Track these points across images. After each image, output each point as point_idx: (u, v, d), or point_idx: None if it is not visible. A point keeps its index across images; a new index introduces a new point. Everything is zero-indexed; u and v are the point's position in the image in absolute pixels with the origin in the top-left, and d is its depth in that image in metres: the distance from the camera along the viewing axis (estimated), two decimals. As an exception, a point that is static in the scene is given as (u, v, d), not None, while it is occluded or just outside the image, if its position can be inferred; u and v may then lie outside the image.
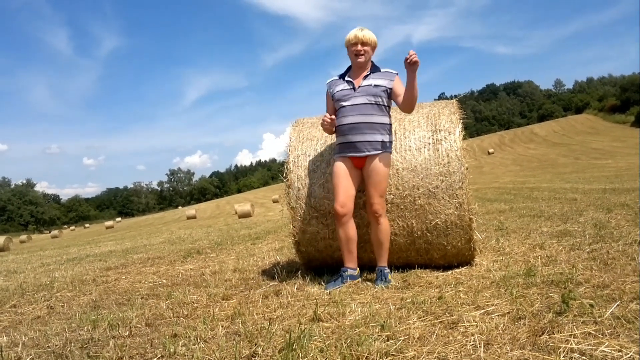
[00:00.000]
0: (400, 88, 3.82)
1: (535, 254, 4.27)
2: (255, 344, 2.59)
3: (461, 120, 4.17)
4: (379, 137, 3.77)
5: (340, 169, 3.83)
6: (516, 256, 4.30)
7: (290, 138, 4.57)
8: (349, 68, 3.99)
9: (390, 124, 3.90)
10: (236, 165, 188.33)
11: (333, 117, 3.85)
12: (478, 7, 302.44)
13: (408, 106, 3.77)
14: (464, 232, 3.96)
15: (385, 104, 3.85)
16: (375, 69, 3.91)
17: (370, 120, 3.76)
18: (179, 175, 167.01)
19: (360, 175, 3.89)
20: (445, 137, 4.07)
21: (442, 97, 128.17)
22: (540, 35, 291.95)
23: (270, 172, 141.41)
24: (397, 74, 3.90)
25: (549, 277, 3.34)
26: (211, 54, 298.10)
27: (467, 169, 4.00)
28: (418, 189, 3.97)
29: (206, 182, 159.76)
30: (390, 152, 3.89)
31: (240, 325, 2.93)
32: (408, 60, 3.47)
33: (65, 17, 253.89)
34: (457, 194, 3.91)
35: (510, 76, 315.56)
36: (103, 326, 3.27)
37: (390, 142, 3.88)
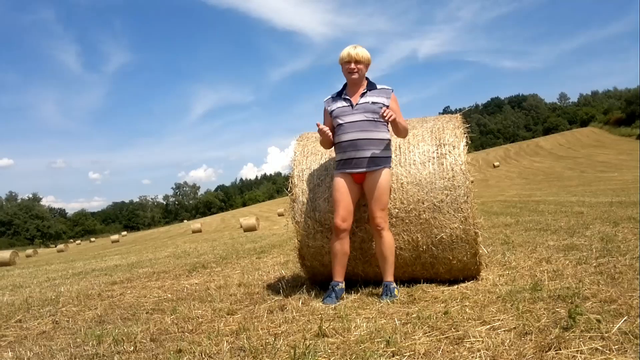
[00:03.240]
0: (394, 110, 3.85)
1: (541, 268, 4.25)
2: (260, 360, 2.58)
3: (465, 134, 4.18)
4: (378, 153, 3.83)
5: (340, 184, 3.88)
6: (522, 270, 4.28)
7: (294, 152, 4.60)
8: (345, 85, 4.03)
9: (389, 140, 3.94)
10: (241, 179, 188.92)
11: (325, 127, 3.86)
12: (483, 21, 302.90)
13: (399, 136, 3.99)
14: (470, 246, 3.95)
15: (383, 121, 3.87)
16: (371, 85, 3.96)
17: (369, 136, 3.81)
18: (184, 189, 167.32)
19: (360, 190, 3.92)
20: (449, 151, 4.07)
21: (446, 110, 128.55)
22: (545, 49, 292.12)
23: (276, 186, 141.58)
24: (392, 90, 3.96)
25: (556, 291, 3.32)
26: (219, 69, 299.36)
27: (472, 182, 3.99)
28: (423, 203, 3.97)
29: (211, 196, 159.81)
30: (390, 167, 3.92)
31: (245, 340, 2.92)
32: (386, 118, 3.64)
33: (76, 34, 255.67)
34: (462, 208, 3.91)
35: (515, 90, 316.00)
36: (108, 341, 3.27)
37: (389, 157, 3.92)
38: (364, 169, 3.82)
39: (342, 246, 3.89)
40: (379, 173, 3.81)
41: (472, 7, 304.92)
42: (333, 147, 4.06)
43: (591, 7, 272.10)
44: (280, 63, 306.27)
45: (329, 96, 4.07)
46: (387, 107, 3.85)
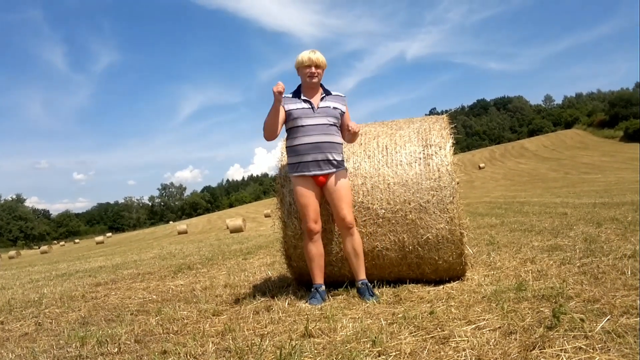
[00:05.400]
0: (346, 119, 4.05)
1: (526, 269, 4.28)
2: (246, 361, 2.56)
3: (452, 135, 4.21)
4: (337, 156, 3.92)
5: (303, 188, 3.89)
6: (507, 270, 4.31)
7: (281, 152, 4.58)
8: (299, 87, 4.05)
9: (342, 144, 4.07)
10: (228, 180, 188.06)
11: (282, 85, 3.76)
12: (471, 24, 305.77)
13: (349, 142, 4.17)
14: (455, 247, 3.97)
15: (339, 126, 4.02)
16: (327, 91, 4.05)
17: (331, 140, 3.90)
18: (170, 190, 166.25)
19: (321, 192, 3.95)
20: (436, 152, 4.09)
21: (433, 112, 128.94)
22: (532, 51, 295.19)
23: (262, 187, 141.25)
24: (345, 97, 4.13)
25: (540, 291, 3.35)
26: (207, 70, 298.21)
27: (458, 183, 4.02)
28: (409, 204, 3.98)
29: (198, 197, 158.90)
30: (346, 169, 4.04)
31: (230, 341, 2.90)
32: (355, 130, 3.87)
33: (63, 33, 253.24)
34: (448, 209, 3.92)
35: (501, 91, 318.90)
36: (92, 343, 3.24)
37: (344, 160, 4.06)
38: (329, 170, 3.87)
39: (318, 248, 3.95)
40: (340, 173, 3.91)
41: (460, 9, 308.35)
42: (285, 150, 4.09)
43: (578, 10, 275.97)
44: (269, 64, 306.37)
45: (283, 95, 3.96)
46: (344, 113, 4.04)
